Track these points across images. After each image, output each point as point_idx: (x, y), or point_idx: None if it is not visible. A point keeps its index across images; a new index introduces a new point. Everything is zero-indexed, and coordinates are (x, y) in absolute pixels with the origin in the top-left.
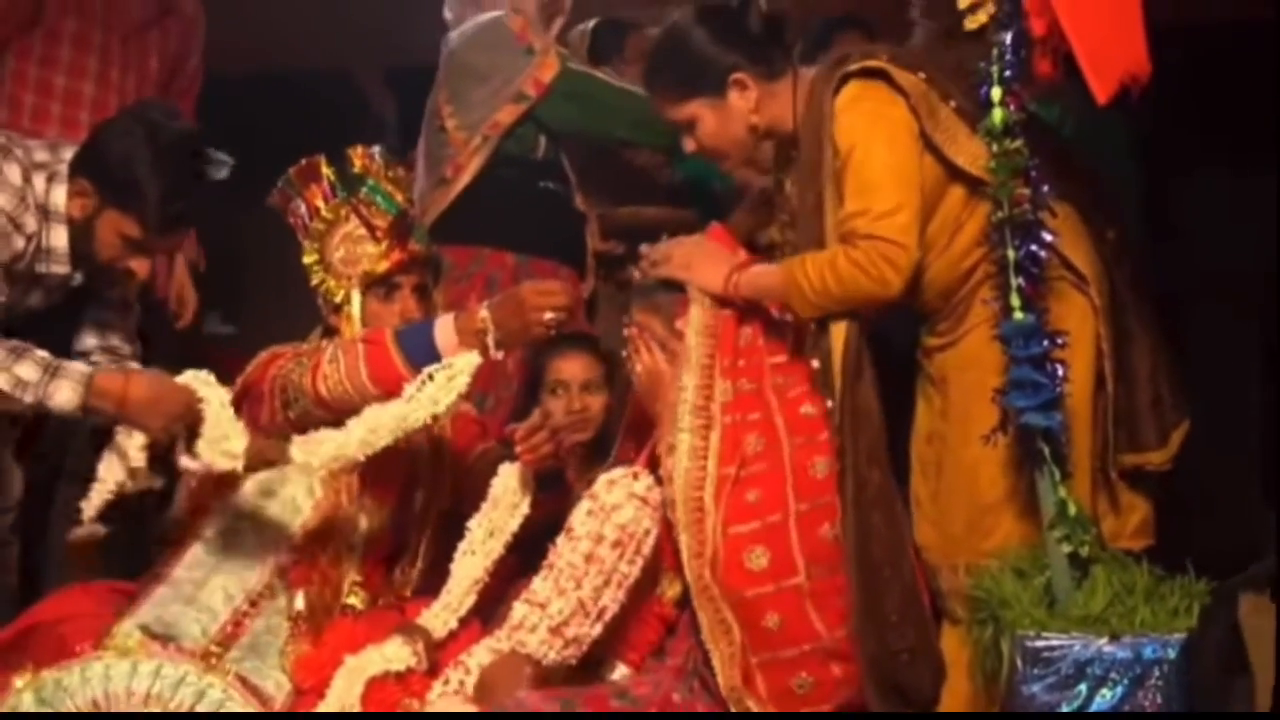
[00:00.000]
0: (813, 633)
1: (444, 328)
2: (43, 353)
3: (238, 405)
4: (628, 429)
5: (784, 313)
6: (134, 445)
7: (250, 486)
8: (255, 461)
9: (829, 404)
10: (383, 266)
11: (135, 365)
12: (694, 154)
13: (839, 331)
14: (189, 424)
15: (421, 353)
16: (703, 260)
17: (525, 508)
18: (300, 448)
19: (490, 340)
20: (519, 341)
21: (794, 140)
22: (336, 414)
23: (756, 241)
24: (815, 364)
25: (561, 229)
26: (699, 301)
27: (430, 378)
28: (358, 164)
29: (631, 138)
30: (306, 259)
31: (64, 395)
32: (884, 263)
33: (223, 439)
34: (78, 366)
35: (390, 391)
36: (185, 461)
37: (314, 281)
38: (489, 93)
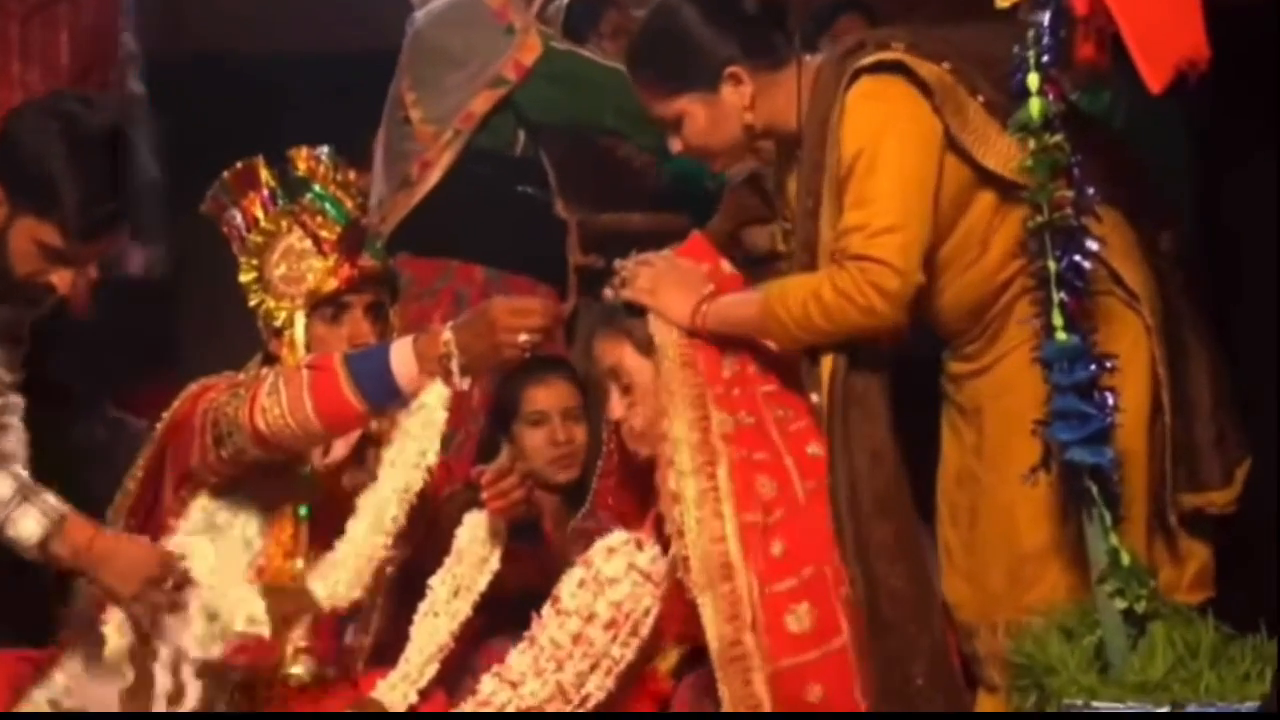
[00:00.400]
0: (854, 706)
1: (401, 352)
2: (21, 470)
3: (163, 446)
4: (606, 471)
5: None
6: (111, 626)
7: (176, 542)
8: (286, 616)
9: None
10: (330, 284)
11: (16, 397)
12: (681, 154)
13: (826, 360)
14: (170, 596)
15: (375, 381)
16: (669, 285)
17: (495, 563)
18: (322, 583)
19: (454, 366)
20: (487, 367)
21: (797, 138)
22: (276, 453)
23: (752, 247)
24: (815, 398)
25: (540, 239)
26: (665, 330)
27: (409, 434)
28: (302, 167)
29: (619, 128)
30: (243, 276)
31: (27, 526)
32: (872, 289)
33: (239, 602)
34: (54, 501)
35: (338, 425)
36: (196, 652)
37: (252, 302)
38: (464, 78)
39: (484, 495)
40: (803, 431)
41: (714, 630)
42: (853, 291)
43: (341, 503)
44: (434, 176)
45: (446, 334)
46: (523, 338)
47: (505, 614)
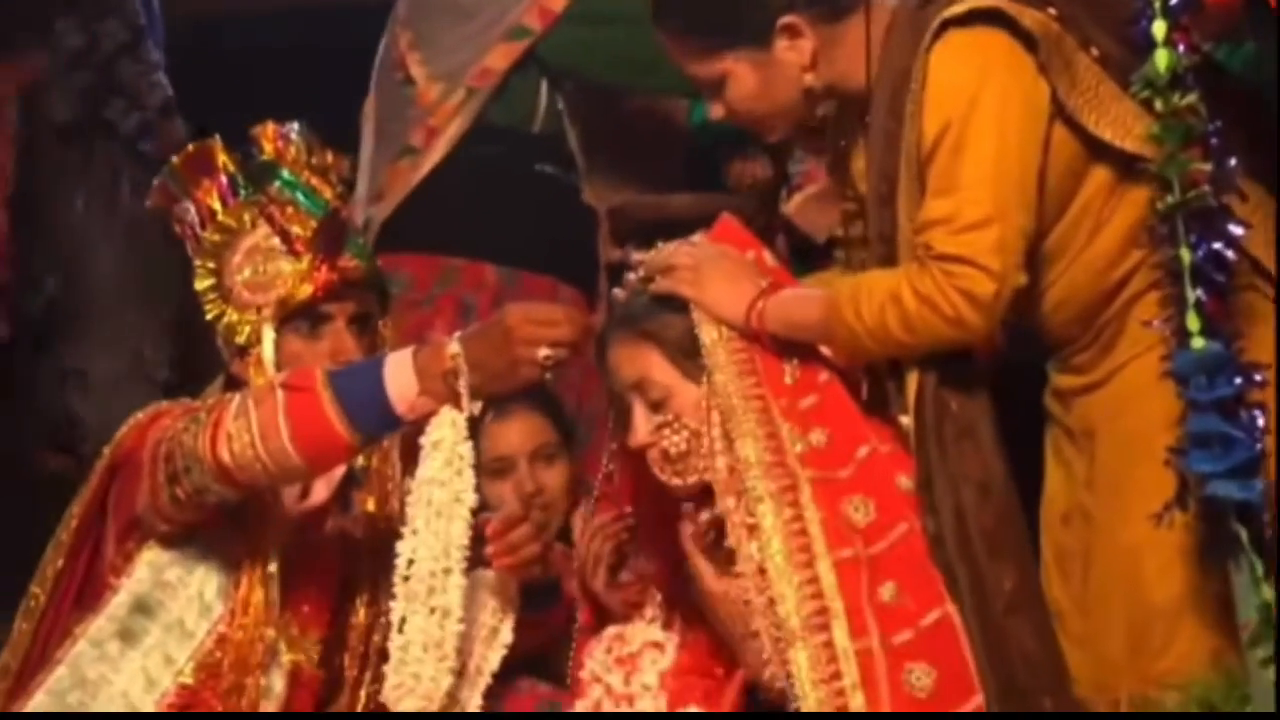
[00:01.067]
0: None
1: (398, 369)
2: None
3: (104, 487)
4: (601, 495)
5: None
6: None
7: (122, 601)
8: None
9: None
10: (305, 291)
11: None
12: (724, 120)
13: (912, 374)
14: None
15: (365, 404)
16: (719, 277)
17: (507, 635)
18: (404, 695)
19: (463, 385)
20: (502, 388)
21: (865, 102)
22: (244, 492)
23: (809, 233)
24: (905, 420)
25: (564, 232)
26: (714, 331)
27: (434, 481)
28: (268, 148)
29: (671, 86)
30: (199, 283)
31: None
32: (960, 296)
33: None
34: None
35: (320, 458)
36: None
37: (210, 314)
38: (475, 30)
39: (490, 550)
40: (893, 458)
41: (808, 691)
42: (937, 298)
43: (323, 556)
44: (442, 147)
45: (454, 346)
46: (544, 353)
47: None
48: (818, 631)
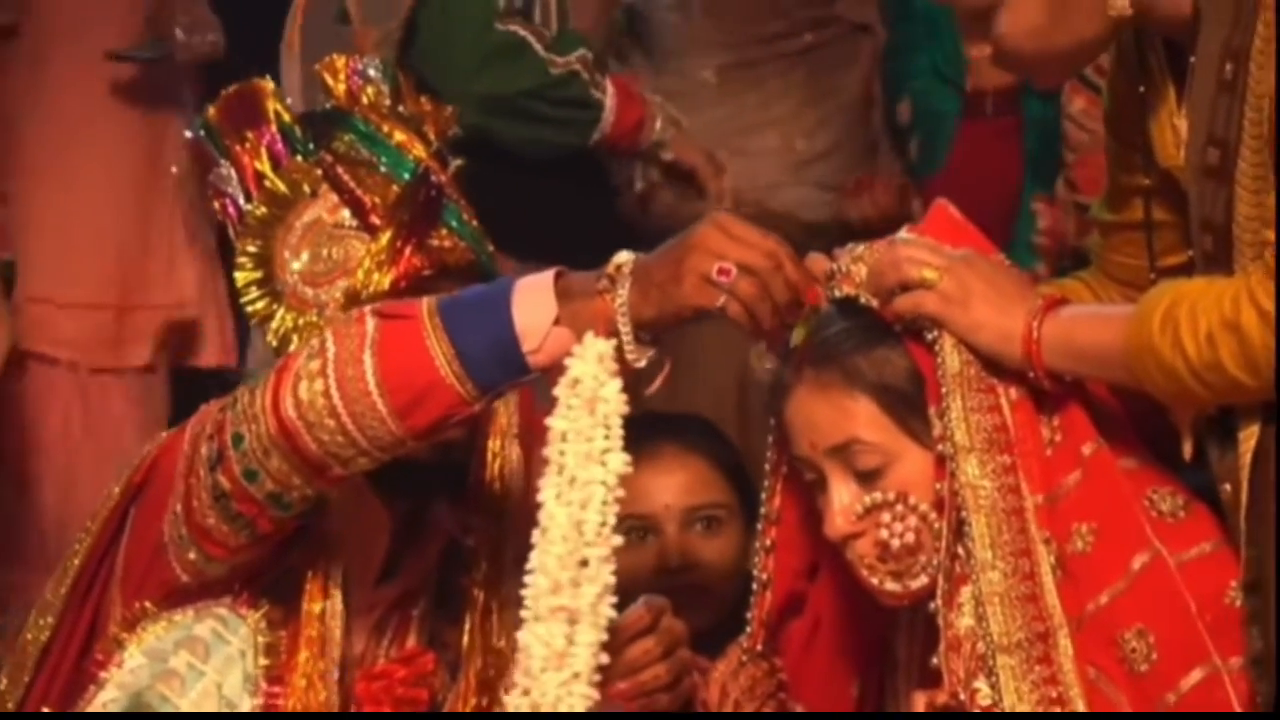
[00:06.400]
0: None
1: (532, 291)
2: None
3: (117, 525)
4: (760, 621)
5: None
6: None
7: (111, 700)
8: None
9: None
10: (383, 281)
11: None
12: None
13: (1248, 430)
14: None
15: (483, 336)
16: (986, 291)
17: None
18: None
19: (618, 300)
20: (662, 311)
21: (1189, 35)
22: (312, 472)
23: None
24: (1228, 487)
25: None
26: (967, 369)
27: (570, 433)
28: (338, 88)
29: None
30: (240, 275)
31: None
32: None
33: None
34: None
35: (414, 411)
36: None
37: (254, 316)
38: None
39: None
40: (1215, 564)
41: None
42: None
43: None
44: None
45: (623, 256)
46: (719, 266)
47: None
48: None
